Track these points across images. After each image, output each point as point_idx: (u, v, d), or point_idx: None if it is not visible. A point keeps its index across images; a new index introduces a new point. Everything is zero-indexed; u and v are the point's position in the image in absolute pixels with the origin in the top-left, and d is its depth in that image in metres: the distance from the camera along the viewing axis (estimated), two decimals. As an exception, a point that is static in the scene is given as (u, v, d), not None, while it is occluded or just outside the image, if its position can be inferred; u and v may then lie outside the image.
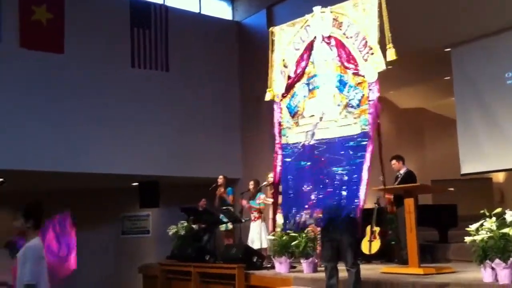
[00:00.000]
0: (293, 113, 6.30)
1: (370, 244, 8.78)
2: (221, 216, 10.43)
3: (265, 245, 9.43)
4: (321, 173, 5.75)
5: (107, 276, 14.99)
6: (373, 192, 7.50)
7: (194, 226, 11.21)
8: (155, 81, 12.38)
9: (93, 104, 11.51)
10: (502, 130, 10.13)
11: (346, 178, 5.47)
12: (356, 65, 5.62)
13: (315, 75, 6.14)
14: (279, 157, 6.35)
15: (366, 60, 5.54)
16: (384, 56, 5.41)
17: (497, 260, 5.30)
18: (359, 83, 5.62)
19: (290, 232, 7.63)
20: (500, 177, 14.31)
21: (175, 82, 12.63)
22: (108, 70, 11.84)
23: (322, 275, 6.24)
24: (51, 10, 11.11)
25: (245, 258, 8.53)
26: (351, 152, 5.50)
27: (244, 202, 10.07)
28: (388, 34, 5.40)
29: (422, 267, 6.74)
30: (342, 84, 5.79)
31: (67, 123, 11.17)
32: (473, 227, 5.60)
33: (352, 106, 5.65)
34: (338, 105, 5.78)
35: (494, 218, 5.47)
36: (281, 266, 8.04)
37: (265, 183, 10.01)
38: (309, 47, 6.19)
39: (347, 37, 5.75)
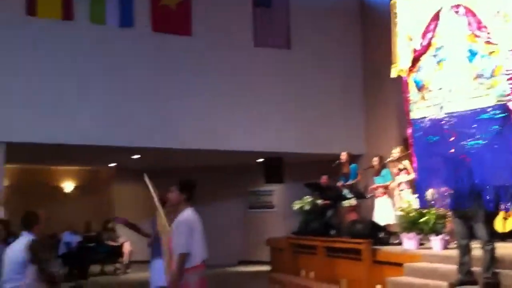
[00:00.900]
0: (420, 87, 6.12)
1: (504, 222, 8.34)
2: (345, 192, 10.45)
3: (391, 221, 9.31)
4: (450, 148, 5.57)
5: (237, 248, 15.70)
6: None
7: (318, 201, 11.33)
8: (277, 60, 12.55)
9: (219, 85, 11.96)
10: None
11: (478, 152, 5.25)
12: (488, 33, 5.33)
13: (442, 46, 5.90)
14: (410, 133, 6.25)
15: (499, 27, 5.23)
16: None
17: None
18: (491, 52, 5.33)
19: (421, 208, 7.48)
20: None
21: (297, 59, 12.72)
22: (232, 49, 12.20)
23: (453, 252, 6.08)
24: (179, -5, 11.68)
25: (371, 234, 8.50)
26: (483, 125, 5.26)
27: (372, 187, 9.96)
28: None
29: None
30: (472, 54, 5.52)
31: (196, 104, 11.72)
32: None
33: (483, 77, 5.38)
34: (468, 76, 5.52)
35: None
36: (409, 243, 7.91)
37: (389, 158, 9.85)
38: (436, 18, 5.95)
39: (477, 4, 5.46)
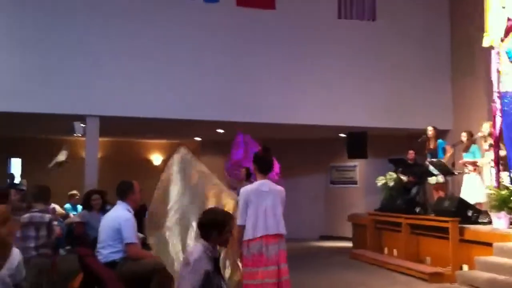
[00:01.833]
0: (514, 58, 5.81)
1: None
2: (431, 168, 10.17)
3: (481, 199, 8.98)
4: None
5: (318, 223, 15.76)
6: None
7: (403, 177, 11.11)
8: (362, 32, 12.28)
9: (302, 58, 11.89)
10: None
11: None
12: None
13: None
14: (498, 107, 5.95)
15: None
16: None
17: None
18: None
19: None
20: None
21: (382, 31, 12.37)
22: (315, 22, 12.07)
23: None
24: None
25: (459, 212, 8.27)
26: None
27: (461, 163, 9.63)
28: None
29: None
30: None
31: (279, 78, 11.75)
32: None
33: None
34: None
35: None
36: (499, 222, 7.63)
37: (479, 134, 9.47)
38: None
39: None
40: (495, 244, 7.17)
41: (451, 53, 12.74)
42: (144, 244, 5.56)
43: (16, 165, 16.89)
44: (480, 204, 9.00)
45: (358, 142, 12.81)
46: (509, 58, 5.88)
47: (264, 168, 4.98)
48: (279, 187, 4.99)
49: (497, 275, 6.62)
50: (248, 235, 4.71)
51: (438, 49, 12.72)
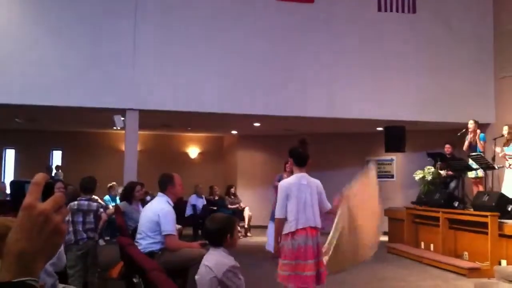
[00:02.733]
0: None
1: None
2: (471, 162, 10.01)
3: (521, 194, 8.80)
4: None
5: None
6: None
7: (441, 172, 10.97)
8: (402, 24, 12.12)
9: (340, 52, 11.82)
10: None
11: None
12: None
13: None
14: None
15: None
16: None
17: None
18: None
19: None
20: None
21: (423, 23, 12.17)
22: (354, 14, 11.97)
23: None
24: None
25: (499, 207, 8.13)
26: None
27: (498, 149, 9.46)
28: None
29: None
30: None
31: (317, 71, 11.72)
32: None
33: None
34: None
35: None
36: (540, 217, 7.47)
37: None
38: None
39: None
40: (536, 240, 7.04)
41: (495, 44, 12.42)
42: (181, 235, 5.68)
43: (57, 157, 17.38)
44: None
45: (396, 136, 12.67)
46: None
47: (300, 161, 5.05)
48: (317, 181, 5.04)
49: (537, 271, 6.51)
50: (291, 227, 4.77)
51: (481, 40, 12.43)
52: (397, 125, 12.51)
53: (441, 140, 11.85)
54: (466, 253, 8.87)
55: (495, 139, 9.99)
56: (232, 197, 14.70)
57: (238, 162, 16.98)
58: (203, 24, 11.28)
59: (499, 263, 7.69)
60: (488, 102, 12.31)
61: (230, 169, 17.59)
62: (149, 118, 11.83)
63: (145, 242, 5.36)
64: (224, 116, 11.89)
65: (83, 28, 10.75)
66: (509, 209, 8.18)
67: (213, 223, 3.64)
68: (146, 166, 13.22)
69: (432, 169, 11.01)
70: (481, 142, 10.14)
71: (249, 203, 14.60)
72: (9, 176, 16.52)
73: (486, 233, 8.00)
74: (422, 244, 10.43)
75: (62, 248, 4.51)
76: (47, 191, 1.05)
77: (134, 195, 7.46)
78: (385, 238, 12.45)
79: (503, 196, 8.50)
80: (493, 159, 9.74)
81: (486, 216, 8.06)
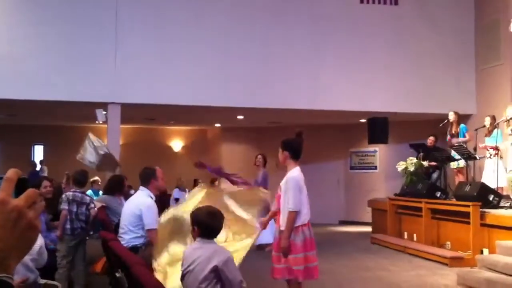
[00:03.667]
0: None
1: None
2: (453, 153, 10.11)
3: (502, 184, 8.92)
4: None
5: (337, 208, 15.79)
6: None
7: (423, 162, 11.06)
8: (384, 16, 12.15)
9: (323, 44, 11.82)
10: None
11: None
12: None
13: None
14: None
15: None
16: None
17: None
18: None
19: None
20: None
21: (405, 15, 12.22)
22: (338, 7, 11.98)
23: None
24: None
25: (480, 196, 8.22)
26: None
27: (482, 148, 9.56)
28: None
29: None
30: None
31: (300, 64, 11.72)
32: None
33: None
34: None
35: None
36: (521, 206, 7.57)
37: (502, 118, 9.38)
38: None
39: None
40: (516, 228, 7.13)
41: (476, 36, 12.51)
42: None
43: (39, 152, 17.21)
44: (501, 188, 8.94)
45: (379, 127, 12.74)
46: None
47: (298, 155, 4.99)
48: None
49: (518, 259, 6.60)
50: (304, 220, 4.79)
51: (462, 33, 12.51)
52: (380, 117, 12.57)
53: (423, 131, 11.94)
54: (448, 242, 8.96)
55: (476, 130, 10.08)
56: (216, 190, 14.66)
57: (222, 155, 16.96)
58: (184, 17, 11.20)
59: (481, 252, 7.78)
60: (470, 93, 12.42)
61: (214, 162, 17.52)
62: (132, 112, 11.74)
63: (128, 236, 5.32)
64: (207, 109, 11.85)
65: (64, 21, 10.61)
66: (491, 198, 8.27)
67: (210, 216, 3.63)
68: (129, 160, 13.12)
69: (415, 160, 11.09)
70: (467, 132, 10.24)
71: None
72: (-11, 171, 16.33)
73: (468, 223, 8.09)
74: (405, 234, 10.52)
75: (43, 244, 4.47)
76: (21, 186, 1.03)
77: (124, 188, 7.41)
78: (368, 229, 12.56)
79: (484, 186, 8.59)
80: (475, 149, 9.84)
81: (468, 206, 8.15)
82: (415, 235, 10.08)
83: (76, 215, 6.14)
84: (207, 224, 3.59)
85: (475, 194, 8.31)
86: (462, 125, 10.48)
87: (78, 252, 6.16)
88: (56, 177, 9.04)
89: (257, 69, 11.46)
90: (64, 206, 6.11)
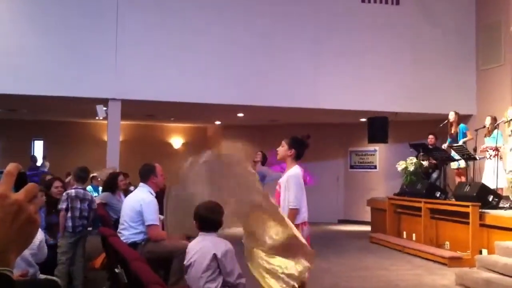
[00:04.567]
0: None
1: None
2: (453, 153, 10.11)
3: (501, 185, 8.92)
4: None
5: (337, 207, 15.80)
6: None
7: (423, 162, 11.06)
8: (385, 16, 12.14)
9: (324, 43, 11.81)
10: None
11: None
12: None
13: None
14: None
15: None
16: None
17: None
18: None
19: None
20: None
21: (406, 14, 12.22)
22: (339, 5, 11.97)
23: None
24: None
25: (480, 197, 8.22)
26: None
27: (482, 149, 9.56)
28: None
29: None
30: None
31: (300, 62, 11.70)
32: None
33: None
34: None
35: None
36: (520, 207, 7.57)
37: (503, 119, 9.37)
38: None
39: None
40: (515, 229, 7.13)
41: (477, 37, 12.50)
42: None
43: (39, 147, 17.20)
44: (501, 189, 8.94)
45: (379, 126, 12.73)
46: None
47: (302, 155, 4.93)
48: None
49: (517, 260, 6.60)
50: (302, 218, 4.75)
51: (463, 33, 12.50)
52: (380, 116, 12.57)
53: (423, 131, 11.94)
54: (447, 242, 8.97)
55: (476, 130, 10.08)
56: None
57: (222, 152, 16.91)
58: (186, 15, 11.19)
59: (480, 253, 7.79)
60: (470, 93, 12.41)
61: (213, 160, 17.53)
62: (132, 108, 11.73)
63: (127, 232, 5.32)
64: (207, 106, 11.84)
65: (65, 16, 10.60)
66: (490, 199, 8.28)
67: (208, 210, 3.68)
68: (129, 157, 13.12)
69: (415, 160, 11.10)
70: (467, 132, 10.24)
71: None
72: (-11, 166, 16.28)
73: (468, 223, 8.10)
74: (404, 234, 10.53)
75: (43, 239, 4.48)
76: (20, 181, 1.03)
77: (118, 185, 7.41)
78: (367, 228, 12.56)
79: (484, 186, 8.59)
80: (475, 149, 9.84)
81: (467, 206, 8.15)
82: (414, 234, 10.08)
83: (80, 212, 6.14)
84: (205, 217, 3.66)
85: (474, 194, 8.32)
86: (461, 125, 10.48)
87: (78, 248, 6.16)
88: (56, 172, 9.04)
89: (258, 67, 11.45)
90: (62, 206, 6.08)
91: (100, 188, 10.04)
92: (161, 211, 5.80)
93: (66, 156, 15.20)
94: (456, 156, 10.00)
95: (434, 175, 11.07)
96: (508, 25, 9.67)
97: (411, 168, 11.02)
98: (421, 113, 12.38)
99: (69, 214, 6.03)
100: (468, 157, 9.68)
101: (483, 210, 8.02)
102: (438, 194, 9.63)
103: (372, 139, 13.18)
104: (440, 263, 8.31)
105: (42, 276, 4.42)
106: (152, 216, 5.29)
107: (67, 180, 8.45)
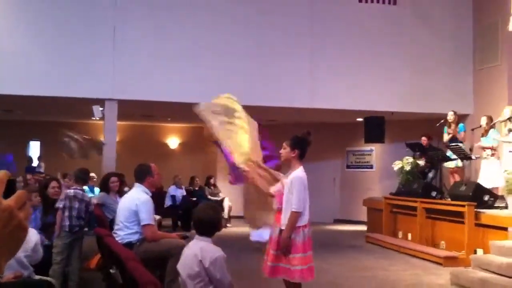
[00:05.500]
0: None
1: None
2: (449, 153, 10.13)
3: (498, 184, 8.94)
4: None
5: (333, 206, 15.80)
6: None
7: (419, 162, 11.08)
8: (382, 16, 12.15)
9: (321, 43, 11.82)
10: None
11: None
12: None
13: None
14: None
15: None
16: None
17: None
18: None
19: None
20: None
21: (403, 15, 12.23)
22: (336, 5, 11.98)
23: None
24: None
25: (476, 196, 8.25)
26: None
27: (478, 148, 9.58)
28: None
29: None
30: None
31: (298, 62, 11.71)
32: None
33: None
34: None
35: None
36: (515, 207, 7.59)
37: (499, 118, 9.40)
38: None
39: None
40: (510, 228, 7.16)
41: (474, 37, 12.51)
42: (160, 225, 5.65)
43: (35, 148, 17.15)
44: (496, 189, 8.96)
45: (376, 126, 12.75)
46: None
47: (305, 153, 4.84)
48: None
49: (512, 259, 6.62)
50: (304, 220, 4.69)
51: (460, 33, 12.51)
52: (377, 116, 12.58)
53: (420, 131, 11.95)
54: (443, 242, 8.99)
55: (473, 129, 10.10)
56: (212, 187, 14.68)
57: (218, 153, 16.88)
58: (182, 15, 11.18)
59: (475, 252, 7.81)
60: (467, 93, 12.43)
61: (210, 160, 17.52)
62: (129, 108, 11.71)
63: (123, 233, 5.31)
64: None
65: (62, 17, 10.58)
66: (486, 199, 8.30)
67: (206, 213, 3.65)
68: (125, 157, 13.10)
69: (411, 160, 11.11)
70: (461, 132, 10.26)
71: (228, 194, 14.57)
72: (-15, 167, 16.24)
73: (463, 223, 8.12)
74: (400, 233, 10.54)
75: (39, 241, 4.47)
76: (10, 188, 1.04)
77: (109, 186, 7.42)
78: (363, 228, 12.57)
79: (479, 186, 8.61)
80: (471, 149, 9.86)
81: (463, 206, 8.17)
82: (410, 234, 10.10)
83: (78, 212, 6.14)
84: (201, 220, 3.63)
85: (470, 194, 8.34)
86: (460, 125, 10.50)
87: (74, 249, 6.14)
88: (52, 173, 9.02)
89: (254, 67, 11.45)
90: (59, 205, 6.08)
91: (96, 188, 10.05)
92: (157, 211, 5.81)
93: (62, 157, 15.14)
94: (452, 156, 10.01)
95: (430, 174, 11.08)
96: (505, 25, 9.68)
97: (408, 167, 11.03)
98: (417, 113, 12.39)
99: (66, 214, 6.01)
100: (464, 156, 9.70)
101: (479, 210, 8.04)
102: (434, 194, 9.65)
103: (369, 139, 13.19)
104: (435, 262, 8.33)
105: (37, 277, 4.41)
106: (148, 215, 5.28)
107: (63, 182, 8.44)
